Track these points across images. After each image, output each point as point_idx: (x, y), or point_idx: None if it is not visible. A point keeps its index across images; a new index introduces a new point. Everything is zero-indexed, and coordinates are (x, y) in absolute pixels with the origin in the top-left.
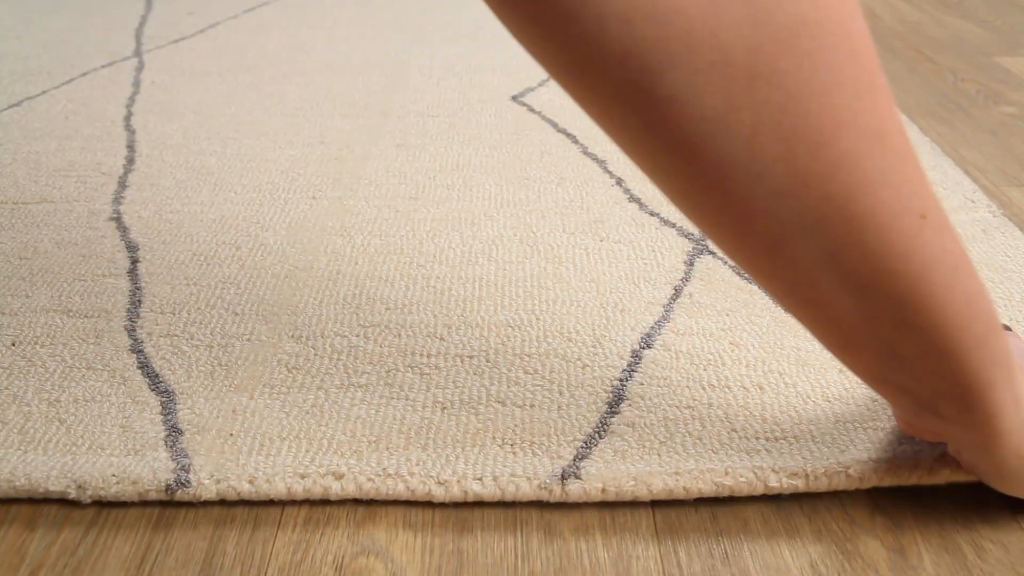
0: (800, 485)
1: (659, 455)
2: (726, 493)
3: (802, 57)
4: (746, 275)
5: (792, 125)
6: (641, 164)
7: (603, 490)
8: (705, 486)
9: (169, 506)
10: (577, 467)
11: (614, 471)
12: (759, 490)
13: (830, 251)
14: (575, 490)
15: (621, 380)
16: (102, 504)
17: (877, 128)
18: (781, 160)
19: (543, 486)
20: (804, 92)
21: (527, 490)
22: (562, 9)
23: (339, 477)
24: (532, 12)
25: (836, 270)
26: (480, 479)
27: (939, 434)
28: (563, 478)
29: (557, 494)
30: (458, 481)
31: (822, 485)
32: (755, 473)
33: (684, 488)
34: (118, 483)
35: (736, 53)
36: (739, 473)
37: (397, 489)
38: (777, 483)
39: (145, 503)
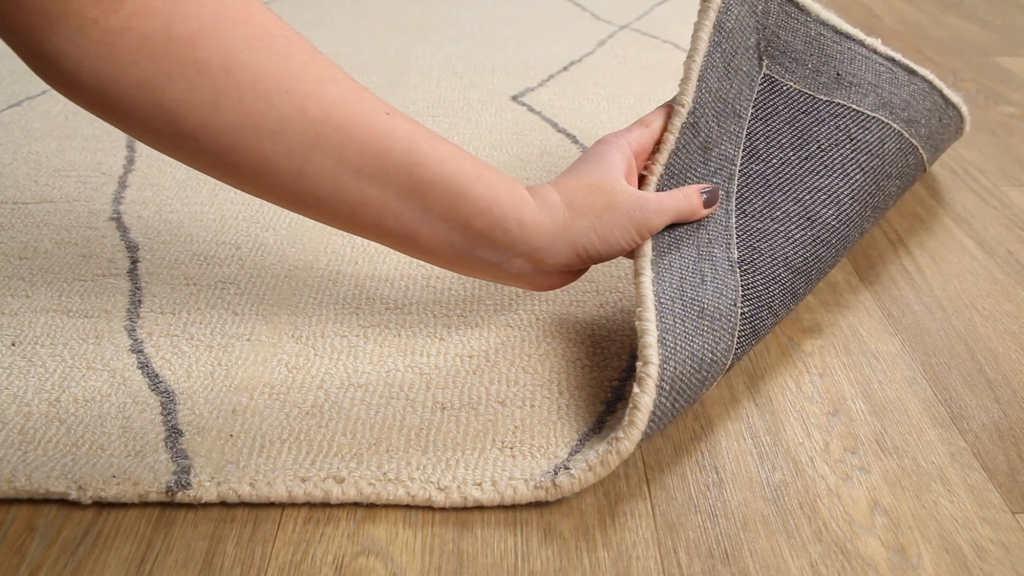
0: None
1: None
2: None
3: (254, 55)
4: None
5: (263, 89)
6: (170, 151)
7: (591, 470)
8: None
9: (169, 507)
10: (568, 462)
11: (604, 459)
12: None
13: (336, 157)
14: (564, 482)
15: (621, 380)
16: (102, 504)
17: (327, 74)
18: (267, 111)
19: (538, 486)
20: (263, 72)
21: (524, 492)
22: (51, 65)
23: (340, 481)
24: (58, 78)
25: (349, 168)
26: (480, 484)
27: (517, 265)
28: (555, 474)
29: (551, 491)
30: (458, 487)
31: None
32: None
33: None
34: (118, 484)
35: (211, 61)
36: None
37: (398, 494)
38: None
39: (145, 504)
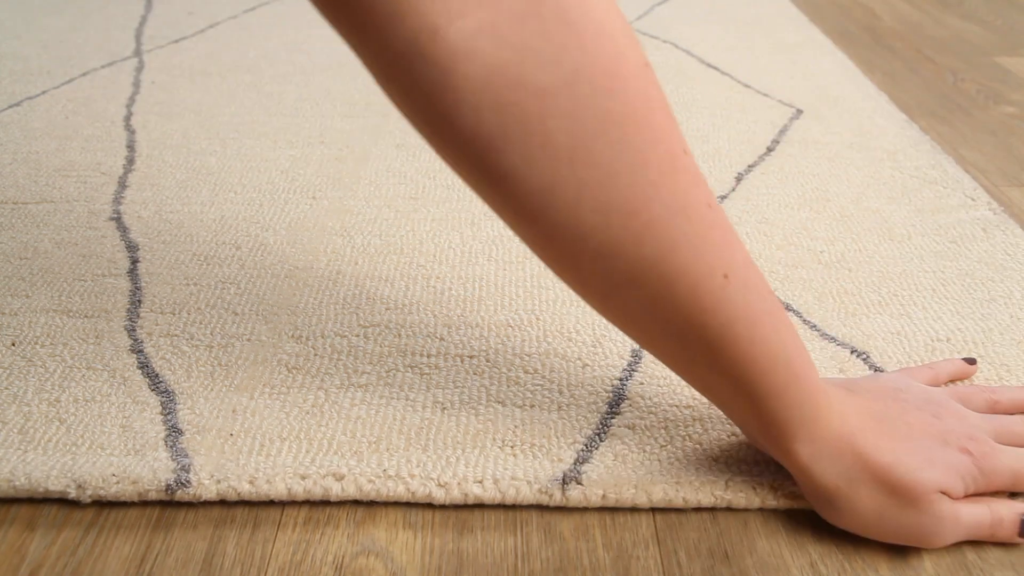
0: (796, 504)
1: (659, 460)
2: (724, 505)
3: (612, 143)
4: None
5: (606, 198)
6: (498, 214)
7: (603, 496)
8: (705, 498)
9: (169, 506)
10: (578, 471)
11: (615, 477)
12: (756, 504)
13: (649, 304)
14: (575, 495)
15: (621, 380)
16: (102, 504)
17: (680, 201)
18: (600, 228)
19: (544, 491)
20: (615, 171)
21: (527, 494)
22: (427, 97)
23: (339, 478)
24: (403, 95)
25: (657, 319)
26: (480, 482)
27: (766, 451)
28: (564, 483)
29: (557, 499)
30: (458, 484)
31: None
32: (754, 489)
33: (683, 499)
34: (118, 483)
35: (560, 138)
36: (738, 488)
37: (398, 491)
38: (774, 501)
39: (145, 503)
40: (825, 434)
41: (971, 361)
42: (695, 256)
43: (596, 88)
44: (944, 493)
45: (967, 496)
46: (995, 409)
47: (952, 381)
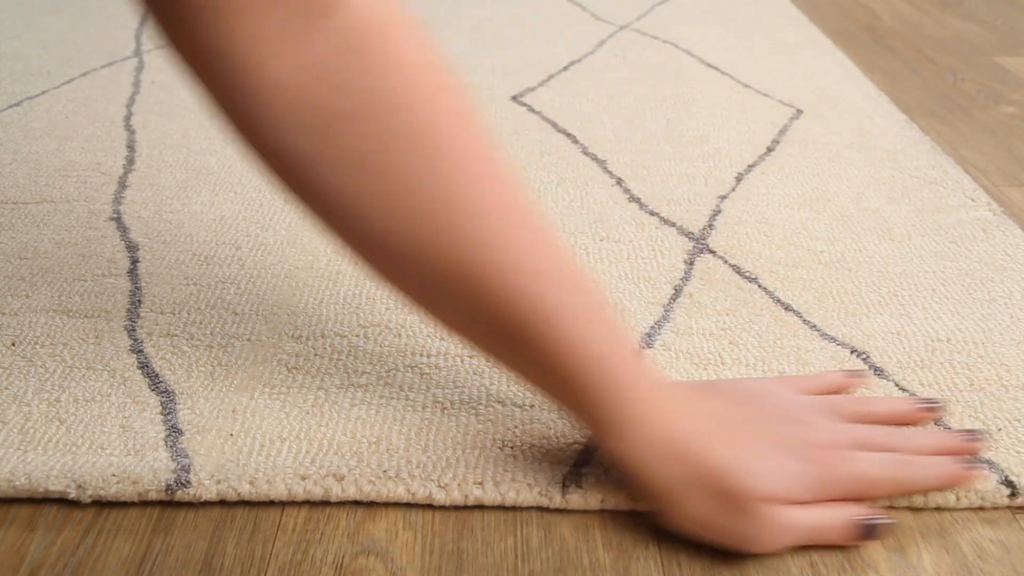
0: None
1: None
2: None
3: (407, 154)
4: (746, 274)
5: (410, 204)
6: (323, 226)
7: (602, 500)
8: None
9: (169, 506)
10: (578, 475)
11: (614, 479)
12: None
13: (463, 302)
14: (575, 499)
15: None
16: (102, 504)
17: (483, 203)
18: (410, 231)
19: (544, 493)
20: (415, 179)
21: (527, 496)
22: (254, 122)
23: (340, 479)
24: (236, 122)
25: (472, 315)
26: (480, 483)
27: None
28: (564, 485)
29: (557, 502)
30: (458, 485)
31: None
32: None
33: None
34: (118, 483)
35: (362, 153)
36: None
37: (398, 492)
38: None
39: (145, 503)
40: (654, 435)
41: (855, 374)
42: (499, 254)
43: (392, 108)
44: (780, 500)
45: (814, 502)
46: (866, 419)
47: (836, 392)
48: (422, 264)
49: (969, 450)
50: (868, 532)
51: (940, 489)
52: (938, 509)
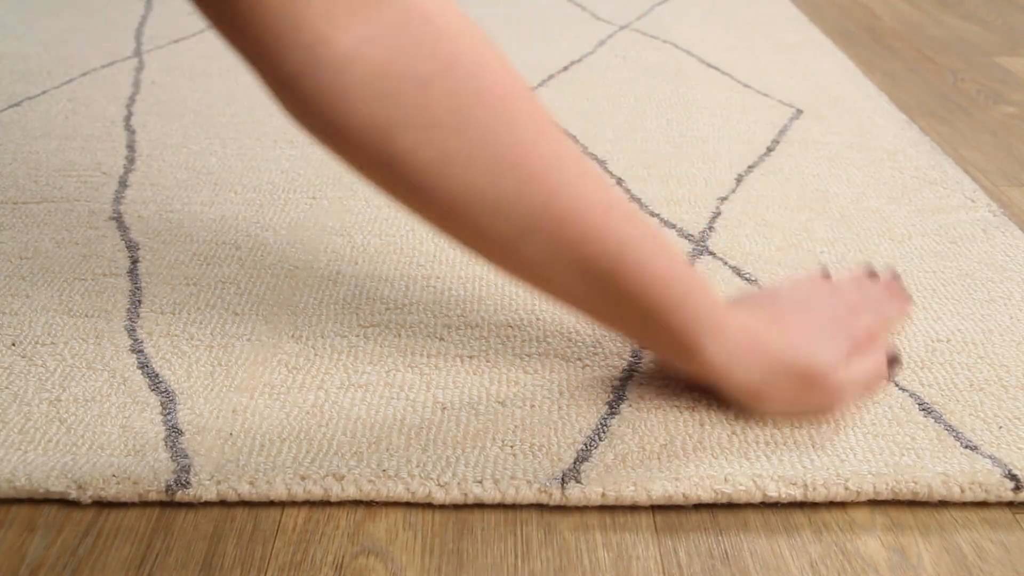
0: (798, 495)
1: (659, 459)
2: (725, 500)
3: (488, 112)
4: (747, 275)
5: (491, 157)
6: (400, 200)
7: (603, 494)
8: (704, 493)
9: (169, 506)
10: (577, 470)
11: (614, 475)
12: (757, 498)
13: (547, 247)
14: (575, 494)
15: (621, 380)
16: (102, 504)
17: (554, 153)
18: (491, 185)
19: (543, 489)
20: (495, 134)
21: (527, 493)
22: (325, 97)
23: (339, 478)
24: (302, 100)
25: (557, 260)
26: (480, 482)
27: (685, 370)
28: (563, 482)
29: (557, 498)
30: (458, 483)
31: (820, 495)
32: (754, 481)
33: (683, 494)
34: (118, 483)
35: (443, 115)
36: (738, 481)
37: (397, 491)
38: (776, 492)
39: (145, 503)
40: (733, 339)
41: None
42: (576, 197)
43: (468, 71)
44: (840, 366)
45: (851, 357)
46: (862, 280)
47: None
48: (510, 217)
49: (899, 283)
50: (895, 358)
51: (903, 317)
52: (938, 507)
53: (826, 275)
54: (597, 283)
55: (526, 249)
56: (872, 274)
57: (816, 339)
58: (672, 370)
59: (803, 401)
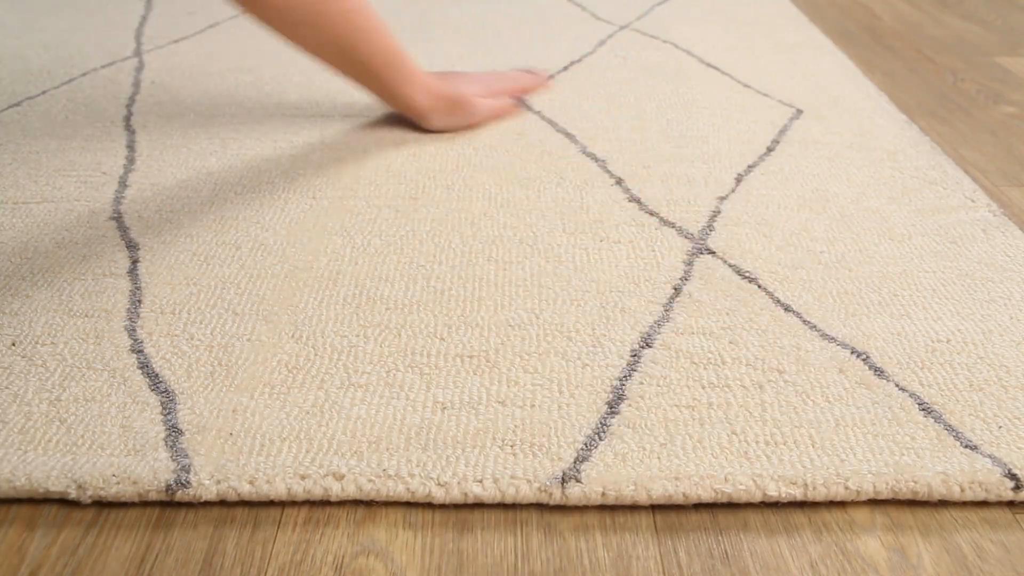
0: (798, 495)
1: (659, 458)
2: (725, 499)
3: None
4: (746, 274)
5: (324, 9)
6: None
7: (603, 494)
8: (704, 492)
9: (169, 506)
10: (577, 470)
11: (614, 475)
12: (757, 497)
13: (321, 37)
14: (575, 493)
15: (621, 380)
16: (102, 504)
17: (366, 28)
18: (328, 33)
19: (543, 489)
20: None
21: (527, 492)
22: None
23: (339, 478)
24: None
25: (324, 43)
26: (480, 481)
27: (400, 110)
28: (563, 481)
29: (557, 497)
30: (458, 483)
31: (820, 495)
32: (754, 481)
33: (683, 494)
34: (118, 483)
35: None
36: (738, 480)
37: (397, 490)
38: (776, 491)
39: (145, 503)
40: (424, 87)
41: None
42: (364, 24)
43: None
44: (479, 96)
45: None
46: (518, 72)
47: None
48: (316, 30)
49: (541, 72)
50: (521, 101)
51: (537, 86)
52: (938, 507)
53: (493, 71)
54: (344, 56)
55: (306, 36)
56: (527, 70)
57: (465, 84)
58: (396, 113)
59: (456, 118)
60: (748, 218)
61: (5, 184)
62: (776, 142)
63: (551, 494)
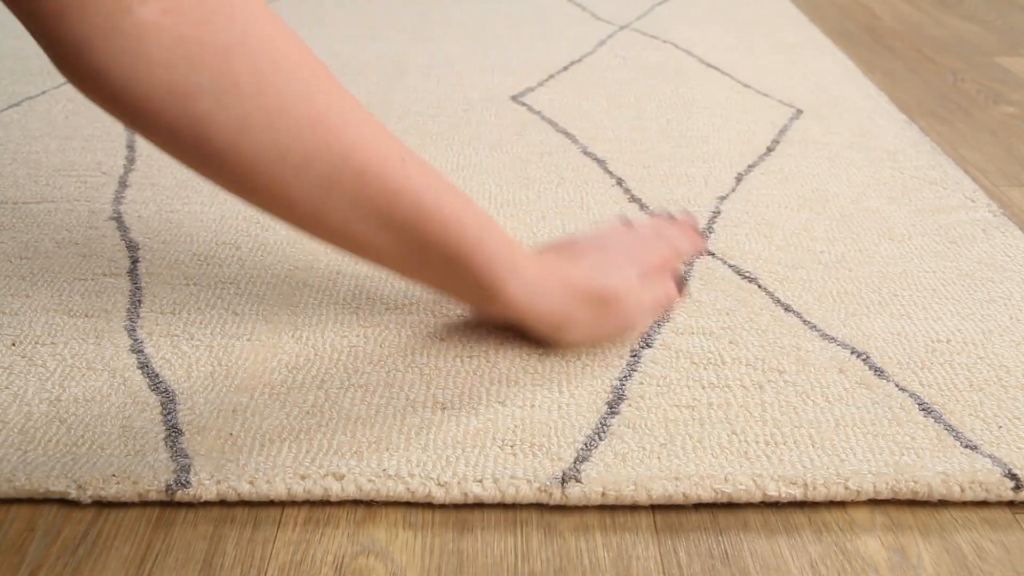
0: (798, 494)
1: (659, 458)
2: (725, 500)
3: (285, 75)
4: (746, 274)
5: (293, 117)
6: (201, 167)
7: (603, 494)
8: (704, 492)
9: (169, 506)
10: (577, 470)
11: (614, 475)
12: (757, 497)
13: (352, 201)
14: (575, 493)
15: (621, 380)
16: (102, 504)
17: (349, 109)
18: (295, 143)
19: (543, 489)
20: (294, 95)
21: (527, 492)
22: (123, 63)
23: (339, 478)
24: (98, 69)
25: (361, 215)
26: (480, 481)
27: (491, 312)
28: (563, 481)
29: (557, 497)
30: (458, 483)
31: (820, 495)
32: (754, 481)
33: (683, 494)
34: (118, 483)
35: (244, 79)
36: (738, 480)
37: (397, 490)
38: (776, 491)
39: (145, 503)
40: (532, 274)
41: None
42: (372, 149)
43: (263, 41)
44: (633, 288)
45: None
46: (657, 221)
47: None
48: (312, 175)
49: (692, 221)
50: (682, 280)
51: (695, 250)
52: (938, 507)
53: (626, 223)
54: (399, 233)
55: (330, 207)
56: (669, 217)
57: (608, 267)
58: (483, 317)
59: (601, 325)
60: (748, 218)
61: (5, 184)
62: (776, 142)
63: (551, 494)
